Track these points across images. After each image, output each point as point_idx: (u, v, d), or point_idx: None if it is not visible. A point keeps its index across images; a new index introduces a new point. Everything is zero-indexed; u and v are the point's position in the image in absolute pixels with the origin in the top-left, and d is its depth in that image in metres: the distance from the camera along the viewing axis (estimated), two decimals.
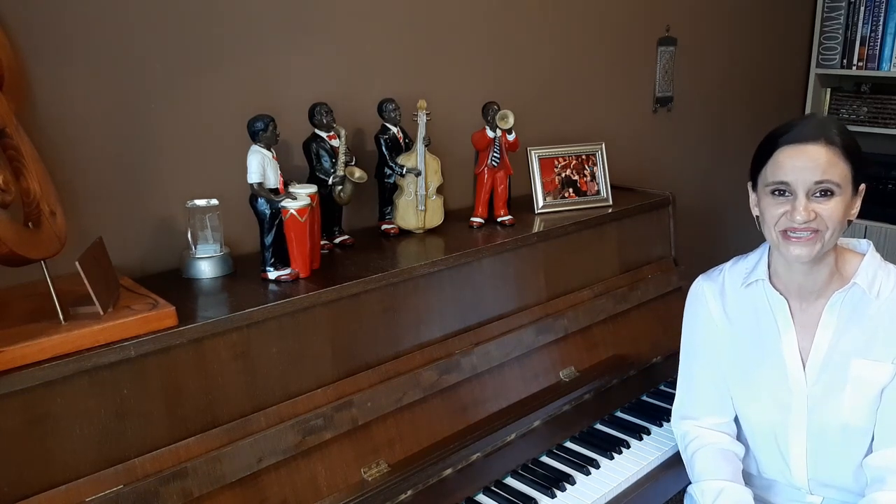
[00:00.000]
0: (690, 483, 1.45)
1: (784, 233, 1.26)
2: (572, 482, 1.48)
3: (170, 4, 1.39)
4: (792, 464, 1.38)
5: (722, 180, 2.97)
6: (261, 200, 1.35)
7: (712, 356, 1.46)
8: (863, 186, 1.28)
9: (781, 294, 1.37)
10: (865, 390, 1.29)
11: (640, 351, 1.86)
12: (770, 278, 1.39)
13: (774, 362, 1.37)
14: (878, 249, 1.36)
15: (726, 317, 1.44)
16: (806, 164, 1.22)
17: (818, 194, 1.22)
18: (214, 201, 1.40)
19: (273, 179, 1.36)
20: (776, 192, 1.26)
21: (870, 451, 1.32)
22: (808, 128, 1.24)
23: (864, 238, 1.38)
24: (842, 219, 1.24)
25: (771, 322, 1.38)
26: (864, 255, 1.35)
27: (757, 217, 1.35)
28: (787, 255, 1.28)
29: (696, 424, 1.48)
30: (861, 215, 1.31)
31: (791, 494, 1.44)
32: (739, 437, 1.48)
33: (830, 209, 1.22)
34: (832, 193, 1.22)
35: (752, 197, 1.35)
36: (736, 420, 1.48)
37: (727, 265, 1.48)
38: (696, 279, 1.51)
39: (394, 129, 1.66)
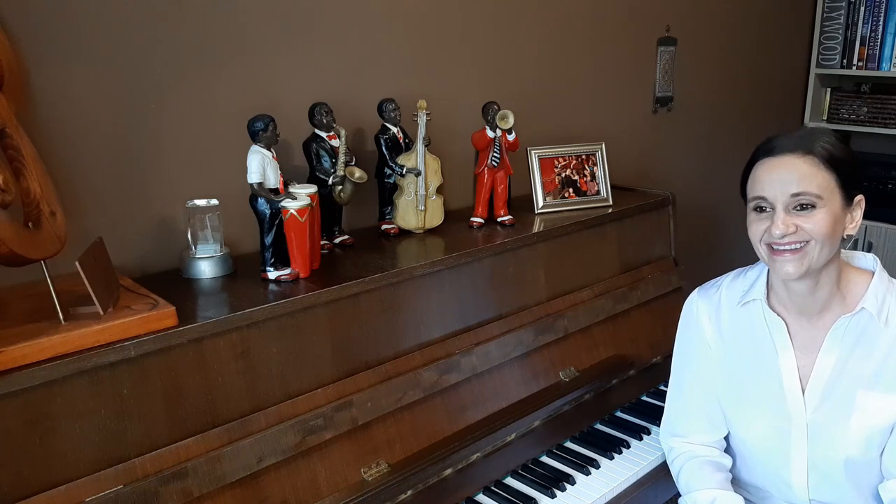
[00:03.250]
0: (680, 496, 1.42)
1: (769, 247, 1.22)
2: (572, 482, 1.48)
3: (170, 5, 1.39)
4: (794, 486, 1.33)
5: (722, 180, 2.97)
6: (261, 200, 1.35)
7: (703, 376, 1.41)
8: (859, 197, 1.23)
9: (779, 315, 1.31)
10: (872, 424, 1.23)
11: (640, 351, 1.86)
12: (768, 298, 1.33)
13: (771, 385, 1.31)
14: (878, 250, 1.32)
15: (721, 338, 1.39)
16: (781, 176, 1.18)
17: (798, 208, 1.18)
18: (214, 201, 1.40)
19: (273, 179, 1.36)
20: (757, 209, 1.22)
21: (877, 477, 1.26)
22: (787, 140, 1.20)
23: (864, 238, 1.34)
24: (830, 232, 1.18)
25: (768, 343, 1.32)
26: (872, 273, 1.28)
27: None
28: (778, 273, 1.23)
29: (684, 441, 1.45)
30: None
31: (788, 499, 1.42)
32: (734, 456, 1.43)
33: (815, 221, 1.17)
34: (813, 206, 1.17)
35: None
36: (727, 438, 1.43)
37: (726, 280, 1.42)
38: (692, 293, 1.45)
39: (394, 129, 1.66)
